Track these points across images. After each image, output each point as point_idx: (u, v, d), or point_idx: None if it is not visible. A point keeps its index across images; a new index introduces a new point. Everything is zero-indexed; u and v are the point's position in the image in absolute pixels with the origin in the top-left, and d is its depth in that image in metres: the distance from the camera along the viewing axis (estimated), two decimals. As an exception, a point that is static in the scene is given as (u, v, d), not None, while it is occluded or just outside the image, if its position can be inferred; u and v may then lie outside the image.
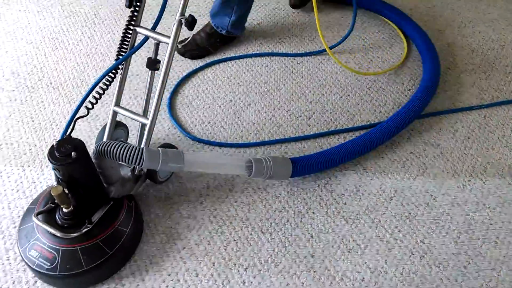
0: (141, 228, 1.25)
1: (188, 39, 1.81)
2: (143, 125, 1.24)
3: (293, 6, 2.04)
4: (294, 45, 1.87)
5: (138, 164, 1.07)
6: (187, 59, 1.79)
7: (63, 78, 1.70)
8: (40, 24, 1.94)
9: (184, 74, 1.72)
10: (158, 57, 1.26)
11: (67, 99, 1.62)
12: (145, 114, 1.29)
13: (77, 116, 1.15)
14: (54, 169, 1.05)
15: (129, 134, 1.45)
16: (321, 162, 1.35)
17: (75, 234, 1.08)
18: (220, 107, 1.62)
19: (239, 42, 1.87)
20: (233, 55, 1.81)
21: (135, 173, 1.23)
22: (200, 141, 1.49)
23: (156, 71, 1.27)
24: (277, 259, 1.21)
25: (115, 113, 1.25)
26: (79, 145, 1.04)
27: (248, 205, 1.33)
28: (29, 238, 1.12)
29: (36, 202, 1.18)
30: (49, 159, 1.02)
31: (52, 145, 1.03)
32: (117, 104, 1.24)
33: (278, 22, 1.99)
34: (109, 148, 1.05)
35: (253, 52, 1.83)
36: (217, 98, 1.65)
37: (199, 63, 1.78)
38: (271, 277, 1.18)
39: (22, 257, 1.11)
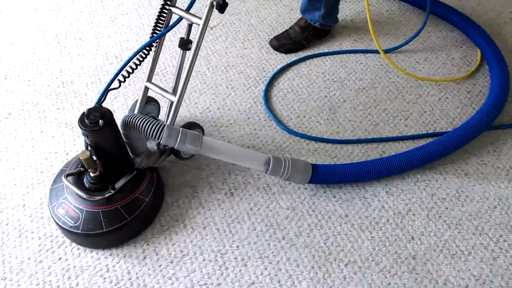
0: (161, 199, 1.31)
1: (282, 33, 1.83)
2: (171, 102, 1.26)
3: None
4: (389, 42, 1.84)
5: (157, 140, 1.12)
6: (281, 53, 1.81)
7: (162, 65, 1.77)
8: (139, 11, 2.02)
9: (279, 67, 1.74)
10: (191, 38, 1.27)
11: (168, 87, 1.68)
12: (174, 92, 1.31)
13: (110, 87, 1.20)
14: (83, 134, 1.13)
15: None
16: (347, 173, 1.30)
17: (99, 198, 1.16)
18: (315, 101, 1.62)
19: (332, 38, 1.87)
20: (327, 51, 1.81)
21: (160, 147, 1.28)
22: (296, 134, 1.51)
23: (187, 51, 1.28)
24: (377, 258, 1.22)
25: (146, 89, 1.29)
26: (107, 114, 1.11)
27: (347, 202, 1.34)
28: (58, 197, 1.21)
29: (68, 165, 1.27)
30: (79, 125, 1.10)
31: (83, 112, 1.10)
32: (149, 80, 1.28)
33: (372, 19, 1.96)
34: (134, 121, 1.12)
35: (347, 49, 1.82)
36: (312, 93, 1.65)
37: (293, 57, 1.79)
38: (372, 275, 1.18)
39: (51, 213, 1.21)
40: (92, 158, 1.14)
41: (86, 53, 1.82)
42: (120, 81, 1.20)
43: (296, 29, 1.81)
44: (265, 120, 1.57)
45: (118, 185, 1.20)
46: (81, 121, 1.10)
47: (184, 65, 1.26)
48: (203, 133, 1.44)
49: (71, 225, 1.17)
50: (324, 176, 1.30)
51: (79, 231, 1.17)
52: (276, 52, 1.81)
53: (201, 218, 1.30)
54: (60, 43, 1.86)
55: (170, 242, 1.25)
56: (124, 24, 1.95)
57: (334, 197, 1.35)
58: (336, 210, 1.32)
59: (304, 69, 1.75)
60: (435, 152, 1.36)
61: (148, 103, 1.39)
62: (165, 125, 1.12)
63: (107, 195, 1.17)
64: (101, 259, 1.22)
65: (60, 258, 1.22)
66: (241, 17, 1.98)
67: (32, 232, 1.27)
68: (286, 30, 1.84)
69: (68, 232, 1.19)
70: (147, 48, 1.21)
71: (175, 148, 1.16)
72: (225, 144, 1.25)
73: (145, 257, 1.22)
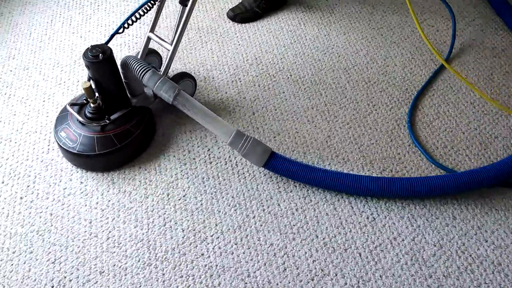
0: (152, 134, 1.49)
1: (238, 4, 1.97)
2: (168, 52, 1.42)
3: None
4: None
5: (140, 78, 1.28)
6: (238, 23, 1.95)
7: (301, 72, 1.76)
8: (279, 15, 2.02)
9: (421, 87, 1.67)
10: None
11: (307, 95, 1.67)
12: (172, 42, 1.43)
13: (116, 32, 1.36)
14: (86, 66, 1.28)
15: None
16: (303, 175, 1.31)
17: (95, 125, 1.36)
18: (463, 133, 1.54)
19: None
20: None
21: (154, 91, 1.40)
22: (443, 168, 1.43)
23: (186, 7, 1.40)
24: (536, 318, 1.12)
25: (149, 39, 1.46)
26: (107, 50, 1.28)
27: (500, 248, 1.25)
28: (62, 122, 1.41)
29: (76, 99, 1.46)
30: (83, 57, 1.26)
31: (88, 47, 1.27)
32: (152, 31, 1.45)
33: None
34: (129, 60, 1.31)
35: (499, 80, 1.70)
36: (460, 123, 1.57)
37: (429, 74, 1.71)
38: (530, 336, 1.10)
39: (54, 136, 1.40)
40: (92, 89, 1.30)
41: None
42: (124, 27, 1.35)
43: None
44: (409, 145, 1.51)
45: (113, 117, 1.37)
46: (85, 54, 1.27)
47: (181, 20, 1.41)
48: (195, 85, 1.60)
49: (70, 145, 1.35)
50: (280, 168, 1.32)
51: (75, 151, 1.35)
52: (418, 72, 1.74)
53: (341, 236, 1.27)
54: None
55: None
56: None
57: (486, 241, 1.26)
58: (489, 256, 1.23)
59: (451, 96, 1.66)
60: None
61: (151, 54, 1.57)
62: (150, 68, 1.28)
63: (102, 124, 1.35)
64: (242, 262, 1.23)
65: (202, 254, 1.25)
66: (383, 32, 1.92)
67: (175, 223, 1.31)
68: (241, 1, 2.00)
69: (67, 152, 1.37)
70: (152, 1, 1.35)
71: (153, 90, 1.30)
72: (200, 105, 1.32)
73: (285, 268, 1.21)
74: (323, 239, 1.27)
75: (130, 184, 1.39)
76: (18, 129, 1.55)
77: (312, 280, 1.20)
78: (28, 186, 1.39)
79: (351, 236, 1.28)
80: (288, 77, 1.74)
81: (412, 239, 1.27)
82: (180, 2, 1.44)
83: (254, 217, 1.32)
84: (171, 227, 1.30)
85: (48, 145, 1.49)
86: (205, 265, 1.22)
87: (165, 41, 1.43)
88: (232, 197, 1.36)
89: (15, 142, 1.51)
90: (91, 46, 1.28)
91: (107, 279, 1.20)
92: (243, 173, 1.42)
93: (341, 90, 1.69)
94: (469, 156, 1.47)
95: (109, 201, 1.35)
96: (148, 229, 1.29)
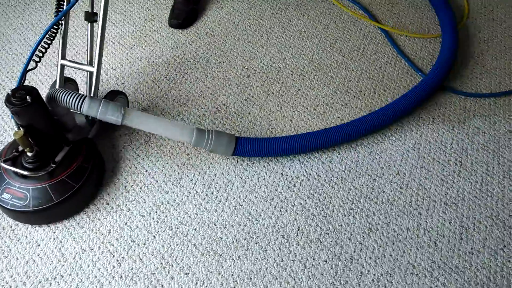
0: (102, 163, 1.34)
1: (173, 11, 1.78)
2: (90, 74, 1.30)
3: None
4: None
5: (79, 111, 1.17)
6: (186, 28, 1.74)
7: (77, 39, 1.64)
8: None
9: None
10: (95, 11, 1.29)
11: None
12: (90, 63, 1.34)
13: (28, 69, 1.21)
14: (12, 114, 1.14)
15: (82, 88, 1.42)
16: (270, 147, 1.27)
17: (42, 173, 1.19)
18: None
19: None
20: None
21: (89, 119, 1.32)
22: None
23: (94, 23, 1.31)
24: None
25: (62, 66, 1.31)
26: (33, 91, 1.13)
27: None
28: None
29: (1, 153, 1.26)
30: (6, 104, 1.10)
31: (8, 93, 1.11)
32: (63, 57, 1.30)
33: None
34: (56, 94, 1.17)
35: None
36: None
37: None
38: None
39: None
40: (27, 137, 1.15)
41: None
42: (36, 62, 1.21)
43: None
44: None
45: (58, 158, 1.23)
46: (8, 100, 1.12)
47: (94, 37, 1.30)
48: (127, 101, 1.45)
49: (21, 205, 1.18)
50: (248, 150, 1.28)
51: (31, 209, 1.18)
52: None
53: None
54: None
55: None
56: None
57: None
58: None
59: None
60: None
61: (66, 82, 1.42)
62: (85, 96, 1.17)
63: (50, 170, 1.20)
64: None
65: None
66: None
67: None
68: (173, 7, 1.79)
69: (20, 213, 1.20)
70: (55, 26, 1.22)
71: (96, 118, 1.19)
72: (149, 115, 1.22)
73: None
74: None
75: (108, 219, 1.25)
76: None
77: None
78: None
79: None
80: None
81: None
82: (86, 19, 1.32)
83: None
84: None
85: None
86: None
87: (83, 63, 1.30)
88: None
89: None
90: (12, 90, 1.13)
91: None
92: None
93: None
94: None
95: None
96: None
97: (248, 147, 1.27)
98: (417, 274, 1.08)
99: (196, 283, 1.08)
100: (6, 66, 1.60)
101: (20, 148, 1.19)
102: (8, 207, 1.18)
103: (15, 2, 1.79)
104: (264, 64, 1.58)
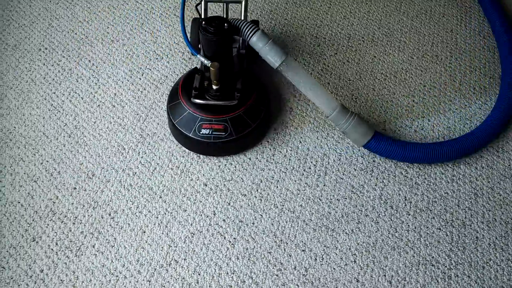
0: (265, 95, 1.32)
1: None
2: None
3: None
4: None
5: (247, 39, 1.14)
6: None
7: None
8: None
9: None
10: None
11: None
12: None
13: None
14: (211, 42, 1.11)
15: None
16: (410, 154, 1.19)
17: (235, 102, 1.20)
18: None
19: None
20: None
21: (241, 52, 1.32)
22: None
23: None
24: None
25: (206, 3, 1.28)
26: (223, 19, 1.11)
27: None
28: (191, 123, 1.21)
29: (172, 98, 1.27)
30: (204, 33, 1.10)
31: (201, 23, 1.10)
32: None
33: None
34: (232, 20, 1.15)
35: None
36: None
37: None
38: None
39: (195, 140, 1.20)
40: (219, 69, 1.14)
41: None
42: None
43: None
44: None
45: (238, 86, 1.23)
46: (205, 30, 1.10)
47: None
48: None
49: (224, 135, 1.19)
50: (381, 149, 1.20)
51: (235, 137, 1.20)
52: None
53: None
54: None
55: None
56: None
57: None
58: None
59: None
60: None
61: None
62: (258, 29, 1.14)
63: (238, 97, 1.21)
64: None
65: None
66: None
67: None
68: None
69: (224, 143, 1.20)
70: None
71: (259, 51, 1.15)
72: (307, 74, 1.19)
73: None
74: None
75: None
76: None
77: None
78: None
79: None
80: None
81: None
82: None
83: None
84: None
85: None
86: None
87: None
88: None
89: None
90: (205, 19, 1.12)
91: None
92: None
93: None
94: None
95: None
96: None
97: (381, 146, 1.20)
98: (530, 234, 1.10)
99: (315, 259, 1.07)
100: (60, 44, 1.51)
101: (202, 82, 1.21)
102: (212, 140, 1.19)
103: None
104: (333, 31, 1.53)
